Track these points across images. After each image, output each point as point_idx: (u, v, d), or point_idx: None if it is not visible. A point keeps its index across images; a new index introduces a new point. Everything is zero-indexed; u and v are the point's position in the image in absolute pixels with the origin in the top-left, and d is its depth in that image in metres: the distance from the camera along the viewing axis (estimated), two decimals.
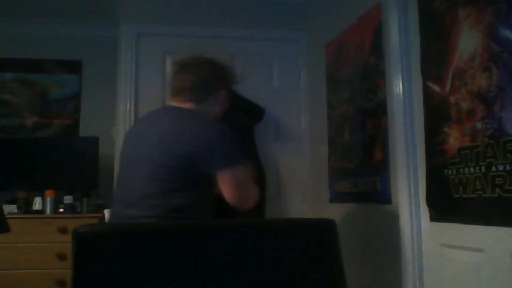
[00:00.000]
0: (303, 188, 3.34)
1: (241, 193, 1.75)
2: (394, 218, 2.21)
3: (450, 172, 1.88)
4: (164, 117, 1.84)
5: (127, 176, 1.82)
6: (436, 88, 1.99)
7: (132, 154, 1.83)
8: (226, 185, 1.74)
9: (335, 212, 2.84)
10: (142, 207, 1.70)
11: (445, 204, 1.92)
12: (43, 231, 3.20)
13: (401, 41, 2.22)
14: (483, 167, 1.70)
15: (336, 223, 1.16)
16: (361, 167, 2.57)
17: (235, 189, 1.74)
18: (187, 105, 1.85)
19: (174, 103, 1.89)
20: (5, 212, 2.49)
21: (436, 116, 1.98)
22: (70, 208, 3.37)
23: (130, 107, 3.18)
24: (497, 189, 1.63)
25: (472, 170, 1.76)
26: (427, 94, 2.05)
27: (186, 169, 1.70)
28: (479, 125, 1.73)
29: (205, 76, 1.88)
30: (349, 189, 2.70)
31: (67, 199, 3.38)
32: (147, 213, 1.68)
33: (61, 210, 3.38)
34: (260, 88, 3.33)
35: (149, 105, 3.18)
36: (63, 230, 3.18)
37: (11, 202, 3.37)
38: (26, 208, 3.35)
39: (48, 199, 3.34)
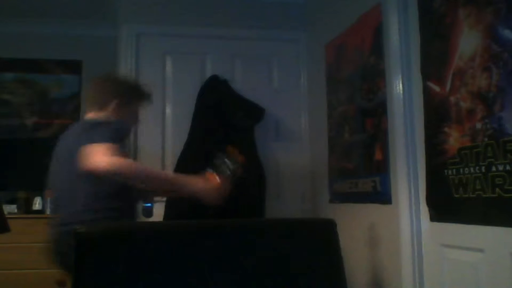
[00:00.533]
0: (303, 188, 3.34)
1: (90, 157, 1.72)
2: (394, 218, 2.21)
3: (450, 172, 1.88)
4: (70, 130, 2.08)
5: None
6: (436, 88, 1.99)
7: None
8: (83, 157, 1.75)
9: (335, 212, 2.84)
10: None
11: (445, 204, 1.92)
12: (43, 231, 3.19)
13: (401, 41, 2.22)
14: (483, 167, 1.70)
15: (336, 223, 1.16)
16: (361, 167, 2.57)
17: (86, 156, 1.73)
18: (90, 115, 2.07)
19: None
20: (5, 212, 2.49)
21: (436, 116, 1.98)
22: None
23: None
24: (497, 189, 1.63)
25: (472, 170, 1.75)
26: (427, 94, 2.05)
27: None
28: (479, 125, 1.73)
29: (98, 90, 2.11)
30: (349, 189, 2.70)
31: None
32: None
33: None
34: (260, 88, 3.33)
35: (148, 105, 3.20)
36: None
37: (11, 202, 3.37)
38: (26, 208, 3.35)
39: (48, 199, 3.34)
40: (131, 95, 2.13)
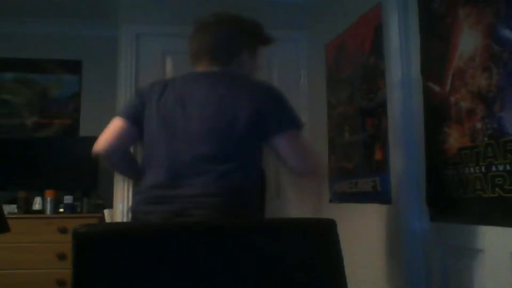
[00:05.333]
0: (303, 188, 3.33)
1: (308, 156, 1.60)
2: (394, 218, 2.21)
3: (450, 172, 1.88)
4: (207, 81, 1.64)
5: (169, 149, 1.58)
6: (436, 88, 1.99)
7: (172, 124, 1.59)
8: (289, 149, 1.58)
9: (335, 212, 2.83)
10: (193, 183, 1.48)
11: (445, 204, 1.92)
12: (43, 231, 3.20)
13: (401, 41, 2.22)
14: (483, 167, 1.70)
15: (336, 223, 1.16)
16: (361, 167, 2.57)
17: (301, 152, 1.59)
18: (214, 68, 1.69)
19: (199, 68, 1.71)
20: (5, 212, 2.49)
21: (436, 116, 1.98)
22: (70, 208, 3.38)
23: None
24: (497, 189, 1.63)
25: (472, 170, 1.75)
26: (427, 94, 2.05)
27: (245, 137, 1.57)
28: (479, 125, 1.73)
29: (223, 36, 1.71)
30: (349, 189, 2.70)
31: (67, 199, 3.38)
32: (201, 191, 1.47)
33: (61, 210, 3.39)
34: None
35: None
36: (63, 230, 3.18)
37: (11, 202, 3.37)
38: (26, 208, 3.35)
39: (48, 199, 3.34)
40: (258, 42, 1.76)
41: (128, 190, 3.06)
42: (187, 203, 1.45)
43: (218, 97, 1.59)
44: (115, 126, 1.70)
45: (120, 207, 3.02)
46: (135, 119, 1.67)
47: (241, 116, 1.55)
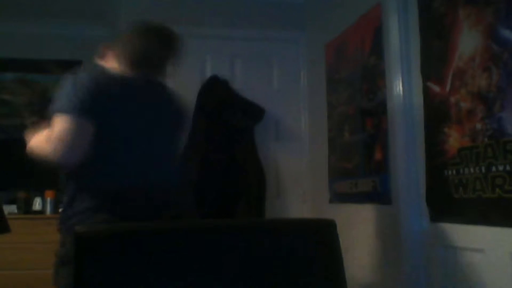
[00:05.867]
0: (303, 188, 3.34)
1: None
2: (394, 218, 2.21)
3: (450, 172, 1.88)
4: (157, 89, 1.82)
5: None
6: (436, 88, 1.99)
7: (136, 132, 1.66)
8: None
9: (335, 212, 2.83)
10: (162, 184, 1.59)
11: (445, 204, 1.92)
12: (43, 231, 3.20)
13: (401, 41, 2.22)
14: (483, 168, 1.70)
15: (336, 223, 1.16)
16: (361, 167, 2.57)
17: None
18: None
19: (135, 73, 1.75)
20: (5, 212, 2.49)
21: (436, 116, 1.98)
22: None
23: None
24: (497, 190, 1.63)
25: (472, 170, 1.75)
26: (427, 94, 2.05)
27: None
28: (479, 125, 1.73)
29: (168, 48, 1.78)
30: (349, 189, 2.70)
31: None
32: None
33: (61, 210, 3.39)
34: (260, 88, 3.33)
35: None
36: None
37: (11, 202, 3.37)
38: (26, 208, 3.35)
39: (48, 199, 3.34)
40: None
41: None
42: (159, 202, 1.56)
43: (171, 107, 1.79)
44: (71, 129, 1.55)
45: None
46: (89, 113, 1.57)
47: (179, 124, 1.81)
